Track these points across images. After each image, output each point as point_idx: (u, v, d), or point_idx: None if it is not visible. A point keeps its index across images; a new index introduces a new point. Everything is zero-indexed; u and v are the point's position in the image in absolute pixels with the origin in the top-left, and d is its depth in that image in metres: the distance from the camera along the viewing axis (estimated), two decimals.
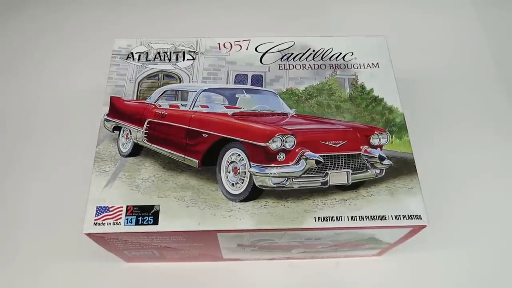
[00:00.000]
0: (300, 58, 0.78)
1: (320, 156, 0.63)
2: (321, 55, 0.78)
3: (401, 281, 0.79)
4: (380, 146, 0.69)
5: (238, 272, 0.79)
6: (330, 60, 0.78)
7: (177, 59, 0.77)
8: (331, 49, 0.79)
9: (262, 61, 0.78)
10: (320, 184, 0.64)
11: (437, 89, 1.03)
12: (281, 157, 0.63)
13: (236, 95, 0.76)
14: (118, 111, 0.74)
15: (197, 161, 0.69)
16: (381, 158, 0.66)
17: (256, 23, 1.13)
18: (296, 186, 0.63)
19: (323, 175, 0.64)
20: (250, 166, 0.64)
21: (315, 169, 0.64)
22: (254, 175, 0.63)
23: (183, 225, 0.60)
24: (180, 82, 0.76)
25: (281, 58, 0.78)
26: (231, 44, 0.79)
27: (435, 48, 1.11)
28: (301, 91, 0.74)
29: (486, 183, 0.89)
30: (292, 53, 0.78)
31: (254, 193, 0.63)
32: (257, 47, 0.79)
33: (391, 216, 0.62)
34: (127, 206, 0.62)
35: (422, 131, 0.92)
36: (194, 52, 0.78)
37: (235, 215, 0.61)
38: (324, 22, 1.15)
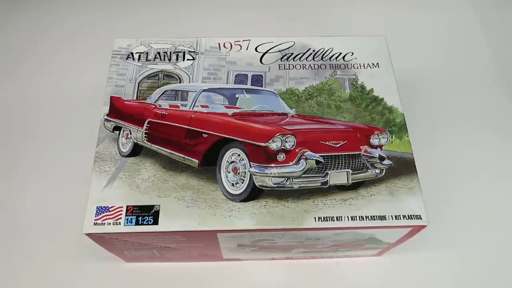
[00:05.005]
0: (300, 58, 0.78)
1: (320, 156, 0.63)
2: (321, 55, 0.78)
3: (401, 281, 0.79)
4: (380, 146, 0.69)
5: (238, 272, 0.79)
6: (330, 60, 0.78)
7: (177, 59, 0.77)
8: (331, 49, 0.79)
9: (262, 61, 0.78)
10: (320, 184, 0.64)
11: (437, 89, 1.03)
12: (281, 157, 0.63)
13: (236, 95, 0.76)
14: (118, 111, 0.74)
15: (197, 161, 0.69)
16: (381, 158, 0.66)
17: (256, 23, 1.13)
18: (296, 186, 0.63)
19: (323, 175, 0.64)
20: (250, 166, 0.64)
21: (315, 169, 0.64)
22: (254, 175, 0.63)
23: (183, 225, 0.60)
24: (180, 82, 0.76)
25: (281, 58, 0.78)
26: (231, 44, 0.79)
27: (435, 48, 1.11)
28: (301, 91, 0.74)
29: (486, 183, 0.89)
30: (292, 53, 0.78)
31: (254, 193, 0.63)
32: (257, 47, 0.79)
33: (391, 216, 0.62)
34: (127, 206, 0.62)
35: (422, 131, 0.93)
36: (194, 52, 0.79)
37: (235, 215, 0.61)
38: (324, 22, 1.15)
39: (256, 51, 0.79)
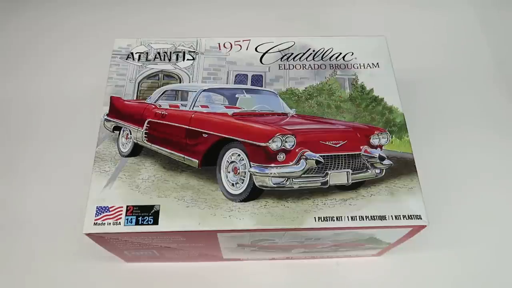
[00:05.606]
0: (300, 58, 0.78)
1: (320, 156, 0.63)
2: (321, 55, 0.78)
3: (401, 281, 0.79)
4: (380, 146, 0.69)
5: (238, 272, 0.79)
6: (330, 60, 0.78)
7: (177, 59, 0.77)
8: (331, 49, 0.79)
9: (262, 61, 0.78)
10: (320, 184, 0.64)
11: (437, 89, 1.03)
12: (281, 157, 0.63)
13: (236, 95, 0.76)
14: (118, 111, 0.74)
15: (197, 161, 0.69)
16: (381, 158, 0.66)
17: (256, 23, 1.13)
18: (296, 186, 0.63)
19: (323, 175, 0.64)
20: (250, 166, 0.64)
21: (315, 169, 0.64)
22: (254, 175, 0.63)
23: (183, 225, 0.60)
24: (180, 82, 0.76)
25: (281, 58, 0.78)
26: (231, 44, 0.79)
27: (435, 48, 1.11)
28: (301, 91, 0.74)
29: (486, 183, 0.89)
30: (292, 53, 0.78)
31: (254, 193, 0.63)
32: (257, 47, 0.79)
33: (391, 216, 0.62)
34: (127, 206, 0.62)
35: (422, 131, 0.93)
36: (194, 52, 0.79)
37: (235, 215, 0.61)
38: (324, 22, 1.15)
39: (256, 51, 0.79)
